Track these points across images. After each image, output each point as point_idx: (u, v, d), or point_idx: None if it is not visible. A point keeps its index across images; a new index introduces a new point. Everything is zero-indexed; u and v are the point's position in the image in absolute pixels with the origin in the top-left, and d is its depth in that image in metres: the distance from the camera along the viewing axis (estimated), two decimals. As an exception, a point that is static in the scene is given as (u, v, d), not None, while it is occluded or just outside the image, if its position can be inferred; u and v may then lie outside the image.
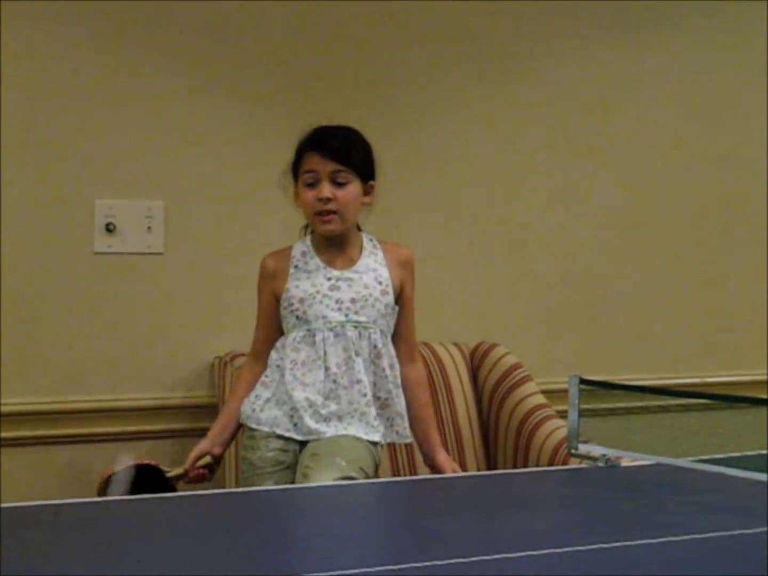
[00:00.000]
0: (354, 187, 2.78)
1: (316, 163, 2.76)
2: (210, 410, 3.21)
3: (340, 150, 2.77)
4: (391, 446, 3.06)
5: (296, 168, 2.81)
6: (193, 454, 2.81)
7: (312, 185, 2.76)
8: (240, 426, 2.85)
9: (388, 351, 2.81)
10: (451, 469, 2.86)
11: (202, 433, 3.08)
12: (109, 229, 3.31)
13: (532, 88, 3.76)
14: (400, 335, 2.87)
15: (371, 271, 2.81)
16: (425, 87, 3.63)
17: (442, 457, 2.88)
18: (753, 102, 4.00)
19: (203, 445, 2.83)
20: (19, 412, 3.24)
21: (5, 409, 3.22)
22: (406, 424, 2.84)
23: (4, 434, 3.22)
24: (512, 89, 3.74)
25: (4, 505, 1.94)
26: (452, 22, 3.65)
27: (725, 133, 3.99)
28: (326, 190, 2.74)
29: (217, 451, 2.84)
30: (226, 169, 3.42)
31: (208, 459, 2.83)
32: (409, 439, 2.87)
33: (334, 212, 2.76)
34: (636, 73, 3.88)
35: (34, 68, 3.27)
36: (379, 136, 2.90)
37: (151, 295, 3.37)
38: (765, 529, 1.79)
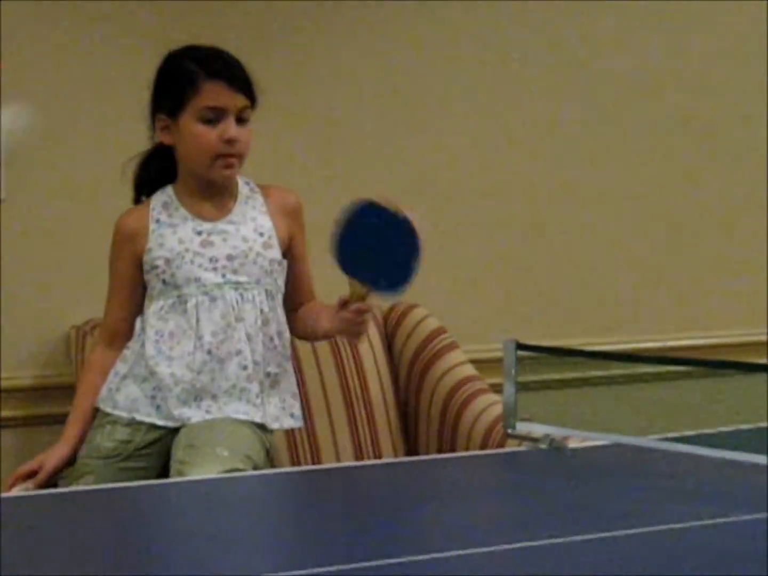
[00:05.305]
0: (250, 126, 2.65)
1: (224, 96, 2.54)
2: (67, 391, 3.00)
3: (248, 81, 2.59)
4: (290, 430, 2.95)
5: (181, 97, 2.56)
6: (51, 466, 2.61)
7: (211, 122, 2.55)
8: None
9: (277, 316, 2.65)
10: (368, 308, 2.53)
11: (56, 419, 3.00)
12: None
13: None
14: (294, 289, 2.71)
15: (250, 221, 2.65)
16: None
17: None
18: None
19: (63, 451, 2.63)
20: None
21: None
22: (299, 404, 2.70)
23: None
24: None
25: None
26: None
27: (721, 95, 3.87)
28: (234, 129, 2.55)
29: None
30: (70, 101, 3.21)
31: None
32: (303, 423, 2.78)
33: (236, 156, 2.59)
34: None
35: None
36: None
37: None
38: (748, 517, 1.74)
